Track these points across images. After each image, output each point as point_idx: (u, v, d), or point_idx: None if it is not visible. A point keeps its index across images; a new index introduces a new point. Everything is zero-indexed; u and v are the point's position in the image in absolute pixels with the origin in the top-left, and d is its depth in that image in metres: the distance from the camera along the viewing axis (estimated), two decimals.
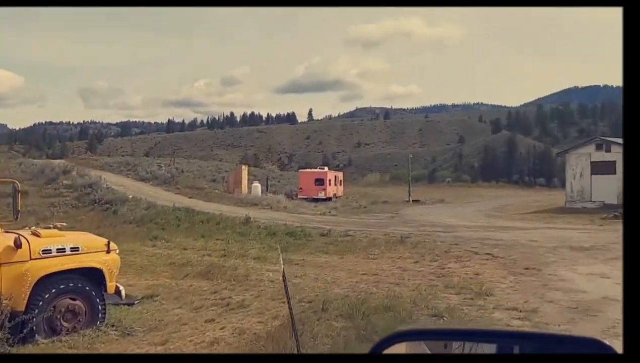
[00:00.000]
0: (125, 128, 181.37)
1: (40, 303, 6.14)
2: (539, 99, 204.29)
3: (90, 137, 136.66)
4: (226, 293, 9.01)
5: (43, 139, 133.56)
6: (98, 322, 6.50)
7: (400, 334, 1.83)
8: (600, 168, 28.86)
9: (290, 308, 4.50)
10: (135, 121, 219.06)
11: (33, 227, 7.01)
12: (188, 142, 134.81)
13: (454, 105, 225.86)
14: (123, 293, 6.90)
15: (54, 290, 6.24)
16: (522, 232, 17.75)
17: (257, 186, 38.80)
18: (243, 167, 43.30)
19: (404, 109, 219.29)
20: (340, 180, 45.63)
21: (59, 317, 6.28)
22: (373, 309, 7.24)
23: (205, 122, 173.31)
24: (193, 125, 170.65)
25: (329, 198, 38.79)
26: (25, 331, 5.88)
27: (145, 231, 19.10)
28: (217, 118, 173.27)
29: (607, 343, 1.56)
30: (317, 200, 36.74)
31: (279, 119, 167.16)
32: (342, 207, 32.91)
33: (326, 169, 46.17)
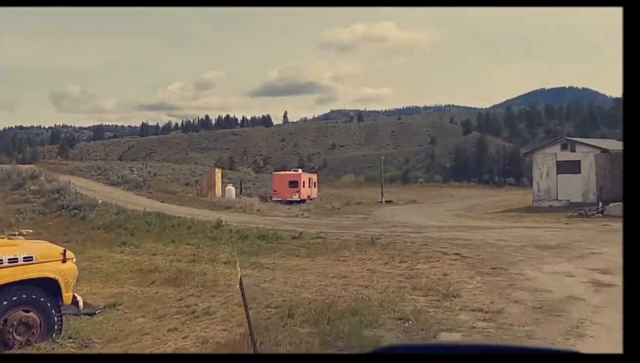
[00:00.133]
0: (98, 132, 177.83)
1: None
2: (507, 100, 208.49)
3: (62, 141, 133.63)
4: (192, 300, 8.84)
5: (13, 143, 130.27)
6: (54, 335, 6.27)
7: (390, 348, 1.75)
8: (566, 167, 29.56)
9: (248, 317, 4.40)
10: (109, 125, 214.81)
11: None
12: (162, 145, 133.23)
13: (425, 107, 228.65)
14: (81, 303, 6.68)
15: (5, 302, 5.99)
16: (490, 231, 17.99)
17: (231, 189, 38.53)
18: (217, 170, 42.94)
19: (377, 111, 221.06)
20: (315, 182, 45.62)
21: (11, 330, 6.03)
22: (339, 314, 7.20)
23: (180, 125, 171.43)
24: (167, 128, 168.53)
25: (303, 201, 38.74)
26: None
27: (113, 237, 18.70)
28: (192, 121, 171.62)
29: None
30: (291, 202, 36.68)
31: (254, 121, 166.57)
32: (316, 208, 32.89)
33: (300, 171, 46.13)
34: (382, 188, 44.16)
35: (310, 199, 41.46)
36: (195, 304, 8.46)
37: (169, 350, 6.06)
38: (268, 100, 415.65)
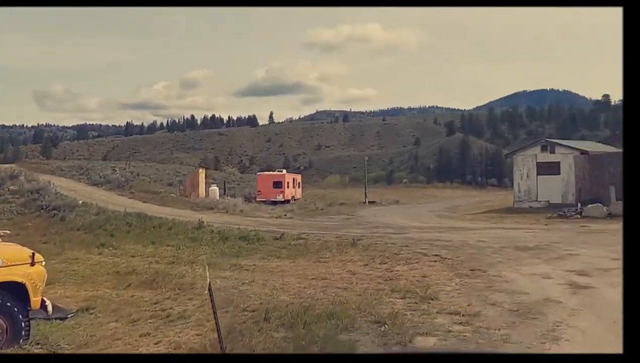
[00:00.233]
0: (82, 131, 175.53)
1: None
2: (490, 102, 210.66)
3: (45, 140, 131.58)
4: (168, 303, 8.71)
5: None
6: (21, 340, 6.10)
7: None
8: (546, 169, 29.87)
9: (216, 322, 4.32)
10: (93, 124, 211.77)
11: None
12: (147, 145, 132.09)
13: (410, 109, 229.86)
14: (50, 308, 6.50)
15: None
16: (471, 232, 18.10)
17: (215, 189, 38.32)
18: (200, 170, 42.66)
19: (362, 112, 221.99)
20: (299, 183, 45.57)
21: None
22: (316, 317, 7.13)
23: (165, 124, 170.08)
24: (152, 128, 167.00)
25: (287, 201, 38.67)
26: None
27: (92, 238, 18.42)
28: (177, 121, 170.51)
29: None
30: (275, 203, 36.59)
31: (240, 121, 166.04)
32: (299, 209, 32.82)
33: (284, 171, 46.03)
34: (365, 189, 44.27)
35: (295, 200, 41.39)
36: (171, 308, 8.33)
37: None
38: (254, 100, 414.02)
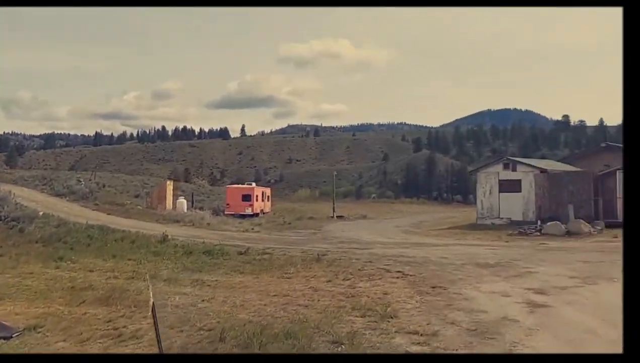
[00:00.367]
0: (49, 140, 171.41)
1: None
2: (456, 120, 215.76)
3: (10, 149, 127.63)
4: (122, 321, 8.43)
5: None
6: None
7: None
8: (507, 186, 30.49)
9: (159, 343, 4.18)
10: (61, 133, 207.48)
11: None
12: (117, 155, 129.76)
13: (379, 124, 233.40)
14: None
15: None
16: (434, 248, 18.25)
17: (183, 202, 37.83)
18: (168, 182, 42.06)
19: (333, 127, 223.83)
20: (268, 196, 45.34)
21: None
22: (273, 337, 7.00)
23: (135, 135, 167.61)
24: (122, 138, 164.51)
25: (256, 214, 38.40)
26: None
27: (51, 251, 17.84)
28: (148, 132, 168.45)
29: None
30: (244, 216, 36.30)
31: (212, 133, 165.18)
32: (267, 223, 32.61)
33: (254, 184, 45.76)
34: (333, 204, 44.37)
35: (264, 213, 41.14)
36: (124, 326, 8.06)
37: None
38: (226, 112, 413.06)
